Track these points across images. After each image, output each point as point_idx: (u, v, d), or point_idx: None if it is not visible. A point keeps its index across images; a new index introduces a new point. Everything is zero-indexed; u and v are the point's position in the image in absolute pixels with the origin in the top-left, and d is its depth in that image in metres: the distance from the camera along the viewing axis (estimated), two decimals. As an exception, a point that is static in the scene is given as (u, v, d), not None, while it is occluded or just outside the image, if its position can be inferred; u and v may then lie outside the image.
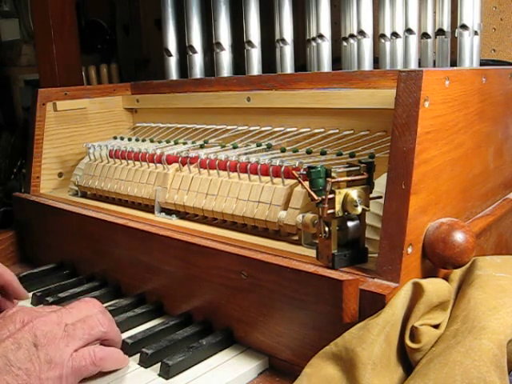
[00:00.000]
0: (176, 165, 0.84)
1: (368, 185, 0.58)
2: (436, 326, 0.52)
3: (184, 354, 0.61)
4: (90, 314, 0.59)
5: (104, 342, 0.60)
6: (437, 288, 0.52)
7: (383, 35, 0.98)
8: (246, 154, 0.81)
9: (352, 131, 0.78)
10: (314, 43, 1.02)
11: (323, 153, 0.76)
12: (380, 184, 0.59)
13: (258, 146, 0.84)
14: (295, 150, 0.79)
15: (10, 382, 0.50)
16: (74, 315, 0.58)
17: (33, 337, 0.53)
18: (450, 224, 0.55)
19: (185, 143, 0.94)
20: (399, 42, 0.95)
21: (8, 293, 0.76)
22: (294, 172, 0.63)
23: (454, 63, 0.94)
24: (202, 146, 0.90)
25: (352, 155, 0.73)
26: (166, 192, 0.83)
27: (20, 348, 0.52)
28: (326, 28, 0.98)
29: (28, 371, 0.51)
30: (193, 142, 0.93)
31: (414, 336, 0.51)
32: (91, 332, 0.57)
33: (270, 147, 0.84)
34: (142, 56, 1.65)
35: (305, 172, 0.60)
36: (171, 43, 1.12)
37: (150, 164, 0.88)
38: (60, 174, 1.07)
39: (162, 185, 0.84)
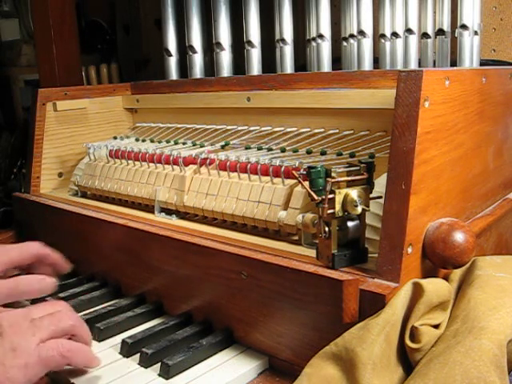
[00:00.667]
0: (176, 165, 0.84)
1: (368, 185, 0.58)
2: (436, 326, 0.52)
3: (184, 353, 0.61)
4: (57, 310, 0.59)
5: (72, 337, 0.59)
6: (437, 288, 0.52)
7: (383, 35, 0.98)
8: (245, 154, 0.81)
9: (352, 131, 0.78)
10: (314, 43, 1.02)
11: (323, 153, 0.76)
12: (380, 184, 0.59)
13: (258, 150, 0.83)
14: (295, 150, 0.79)
15: None
16: (40, 312, 0.58)
17: None
18: (450, 224, 0.55)
19: (185, 143, 0.94)
20: (399, 42, 0.95)
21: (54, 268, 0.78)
22: (293, 172, 0.63)
23: (454, 63, 0.94)
24: (201, 146, 0.90)
25: (352, 155, 0.73)
26: (165, 192, 0.83)
27: None
28: (326, 28, 0.98)
29: None
30: (193, 142, 0.93)
31: (414, 336, 0.51)
32: (58, 324, 0.57)
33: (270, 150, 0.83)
34: (141, 56, 1.65)
35: (305, 172, 0.60)
36: (171, 43, 1.12)
37: (150, 164, 0.88)
38: (60, 174, 1.07)
39: (161, 185, 0.84)
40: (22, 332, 0.54)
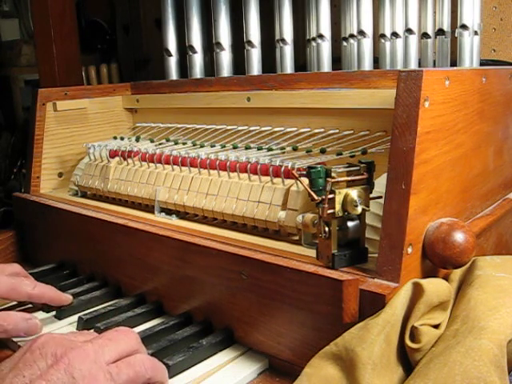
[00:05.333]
0: (176, 165, 0.84)
1: (368, 185, 0.58)
2: (436, 326, 0.52)
3: (184, 353, 0.61)
4: (130, 349, 0.52)
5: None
6: (437, 288, 0.52)
7: (383, 35, 0.98)
8: (245, 154, 0.81)
9: (352, 131, 0.78)
10: (314, 43, 1.02)
11: (323, 152, 0.75)
12: (380, 184, 0.59)
13: (258, 150, 0.83)
14: (295, 148, 0.79)
15: None
16: (111, 349, 0.50)
17: (70, 378, 0.45)
18: (449, 224, 0.55)
19: (185, 143, 0.94)
20: (399, 42, 0.95)
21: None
22: (293, 172, 0.63)
23: (454, 63, 0.94)
24: (201, 146, 0.90)
25: (352, 155, 0.72)
26: (165, 192, 0.83)
27: None
28: (326, 28, 0.97)
29: None
30: (193, 142, 0.93)
31: (414, 336, 0.51)
32: (136, 379, 0.50)
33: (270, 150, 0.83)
34: (141, 56, 1.65)
35: (305, 172, 0.60)
36: (171, 43, 1.12)
37: (150, 164, 0.88)
38: (60, 174, 1.07)
39: (161, 185, 0.84)
40: None
